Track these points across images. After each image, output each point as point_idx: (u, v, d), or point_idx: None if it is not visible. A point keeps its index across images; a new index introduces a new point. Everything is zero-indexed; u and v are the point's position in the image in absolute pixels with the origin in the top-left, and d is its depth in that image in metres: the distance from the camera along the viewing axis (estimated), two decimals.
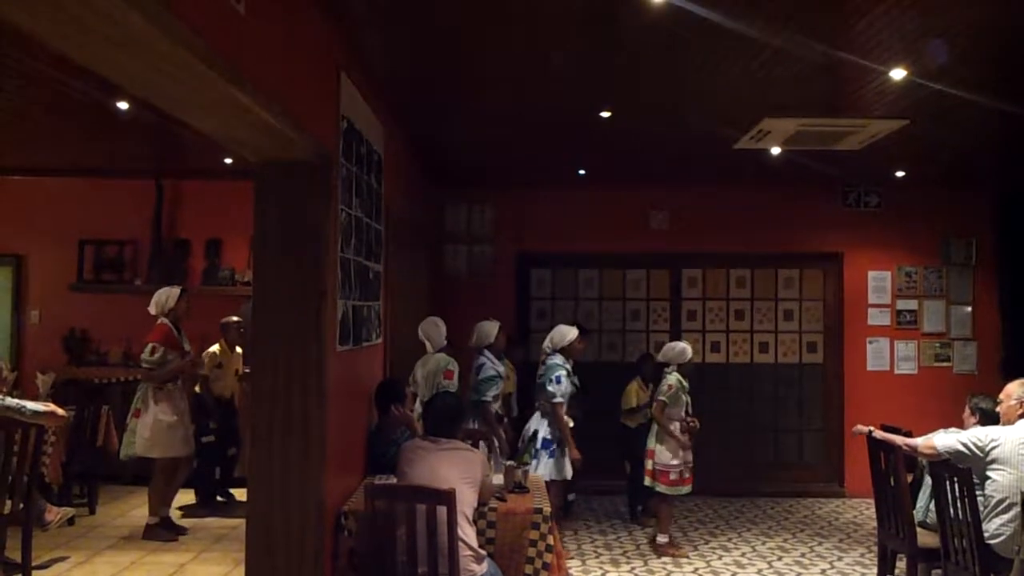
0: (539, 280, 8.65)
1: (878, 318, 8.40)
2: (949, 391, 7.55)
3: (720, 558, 6.08)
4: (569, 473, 5.75)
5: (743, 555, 6.17)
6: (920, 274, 8.43)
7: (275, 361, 3.57)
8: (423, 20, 4.07)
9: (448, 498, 3.43)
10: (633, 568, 5.82)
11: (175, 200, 8.37)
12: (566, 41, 4.35)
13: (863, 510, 7.57)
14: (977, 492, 4.11)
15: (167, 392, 6.15)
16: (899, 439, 4.70)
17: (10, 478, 4.69)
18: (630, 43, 4.33)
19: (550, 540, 3.95)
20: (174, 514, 6.49)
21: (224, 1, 2.47)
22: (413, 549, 3.48)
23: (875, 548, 5.61)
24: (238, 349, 7.12)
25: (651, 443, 6.06)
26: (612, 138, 6.40)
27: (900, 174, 7.74)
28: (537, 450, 5.59)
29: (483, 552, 3.68)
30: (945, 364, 8.36)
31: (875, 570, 5.37)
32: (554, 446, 5.68)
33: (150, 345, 6.10)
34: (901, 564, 5.00)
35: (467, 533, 3.58)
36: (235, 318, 7.14)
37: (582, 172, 7.76)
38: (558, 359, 5.83)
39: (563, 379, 5.71)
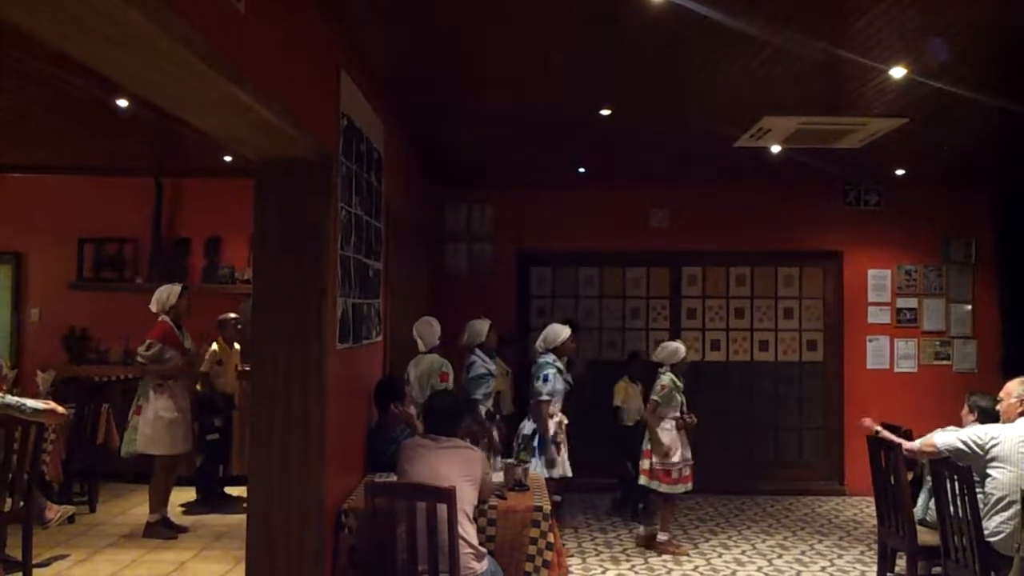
0: (539, 278, 8.65)
1: (878, 316, 8.40)
2: (949, 389, 7.55)
3: (720, 556, 6.09)
4: (558, 472, 5.72)
5: (743, 553, 6.18)
6: (920, 272, 8.43)
7: (275, 359, 3.57)
8: (423, 20, 4.07)
9: (448, 496, 3.43)
10: (633, 566, 5.82)
11: (175, 198, 8.37)
12: (566, 40, 4.35)
13: (863, 508, 7.58)
14: (977, 490, 4.11)
15: (167, 389, 6.15)
16: (902, 443, 4.71)
17: (10, 476, 4.69)
18: (630, 42, 4.33)
19: (550, 538, 3.95)
20: (175, 511, 6.50)
21: None
22: (413, 547, 3.48)
23: (875, 546, 5.63)
24: (236, 346, 7.13)
25: (646, 443, 6.07)
26: (612, 137, 6.40)
27: (900, 172, 7.74)
28: (535, 448, 5.59)
29: (483, 550, 3.69)
30: (945, 362, 8.37)
31: (875, 568, 5.37)
32: (544, 445, 5.68)
33: (147, 341, 6.12)
34: (901, 562, 5.01)
35: (467, 531, 3.59)
36: (232, 315, 7.15)
37: (582, 170, 7.76)
38: (549, 358, 5.86)
39: (551, 377, 5.72)
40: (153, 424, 6.08)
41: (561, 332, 5.96)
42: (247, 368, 6.28)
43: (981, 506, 4.12)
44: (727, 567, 5.81)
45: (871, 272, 8.42)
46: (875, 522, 5.19)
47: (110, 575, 5.24)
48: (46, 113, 5.90)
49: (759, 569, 5.78)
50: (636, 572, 5.70)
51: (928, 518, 4.75)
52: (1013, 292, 8.24)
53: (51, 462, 5.90)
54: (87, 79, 4.67)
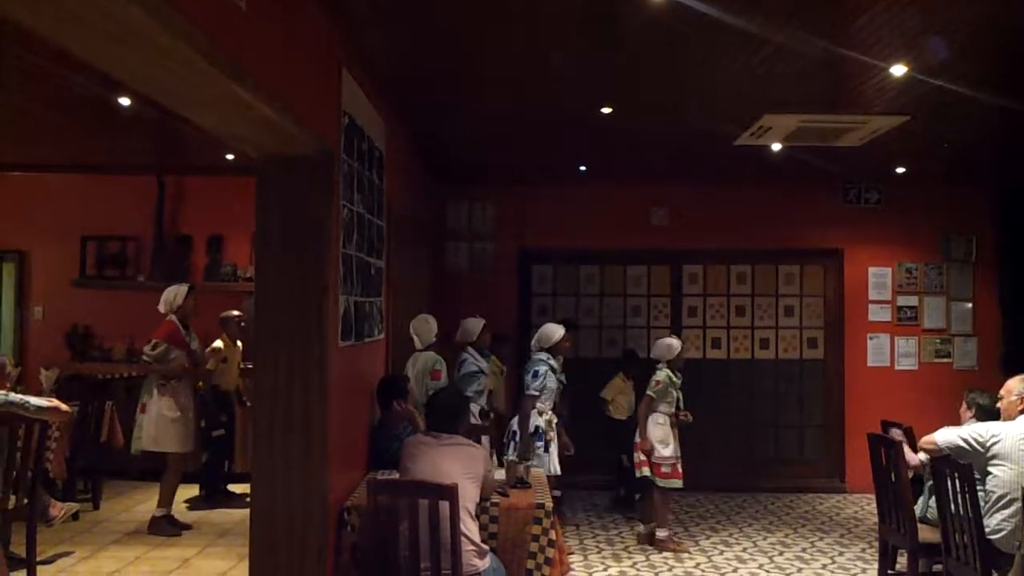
0: (540, 276, 8.66)
1: (879, 314, 8.41)
2: (949, 387, 7.53)
3: (721, 553, 6.09)
4: (546, 470, 5.70)
5: (744, 550, 6.18)
6: (920, 270, 8.43)
7: (277, 357, 3.58)
8: (424, 18, 4.07)
9: (450, 493, 3.44)
10: (635, 563, 5.83)
11: (177, 196, 8.39)
12: (566, 39, 4.35)
13: (864, 505, 7.58)
14: (978, 488, 4.12)
15: (171, 388, 6.18)
16: (912, 458, 4.75)
17: (14, 473, 4.71)
18: (630, 40, 4.33)
19: (552, 535, 3.96)
20: (179, 507, 6.51)
21: None
22: (416, 544, 3.49)
23: (876, 544, 5.63)
24: (238, 343, 7.15)
25: (637, 436, 6.12)
26: (613, 135, 6.41)
27: (901, 170, 7.74)
28: (538, 447, 5.60)
29: (485, 547, 3.70)
30: (945, 360, 8.37)
31: (876, 565, 5.37)
32: (539, 441, 5.69)
33: (153, 340, 6.15)
34: (902, 559, 5.01)
35: (469, 528, 3.60)
36: (235, 312, 7.17)
37: (583, 169, 7.76)
38: (542, 356, 5.89)
39: (540, 374, 5.75)
40: (157, 422, 6.11)
41: (555, 332, 5.99)
42: (250, 366, 6.30)
43: (982, 504, 4.12)
44: (728, 564, 5.82)
45: (872, 270, 8.43)
46: (876, 519, 5.20)
47: (114, 572, 5.25)
48: (48, 111, 5.91)
49: (760, 566, 5.79)
50: (638, 569, 5.71)
51: (929, 516, 4.75)
52: (1013, 289, 8.24)
53: (55, 459, 5.92)
54: (88, 76, 4.67)
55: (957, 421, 4.86)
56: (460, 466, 3.68)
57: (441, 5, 3.90)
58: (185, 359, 6.25)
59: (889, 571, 5.10)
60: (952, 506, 4.22)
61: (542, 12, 3.94)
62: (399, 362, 5.72)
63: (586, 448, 6.63)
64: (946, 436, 4.34)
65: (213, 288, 7.97)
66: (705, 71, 4.76)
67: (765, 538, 6.53)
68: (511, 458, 4.55)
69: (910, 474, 4.83)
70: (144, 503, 6.82)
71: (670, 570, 5.69)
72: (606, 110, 5.59)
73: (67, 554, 5.57)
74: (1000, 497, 4.10)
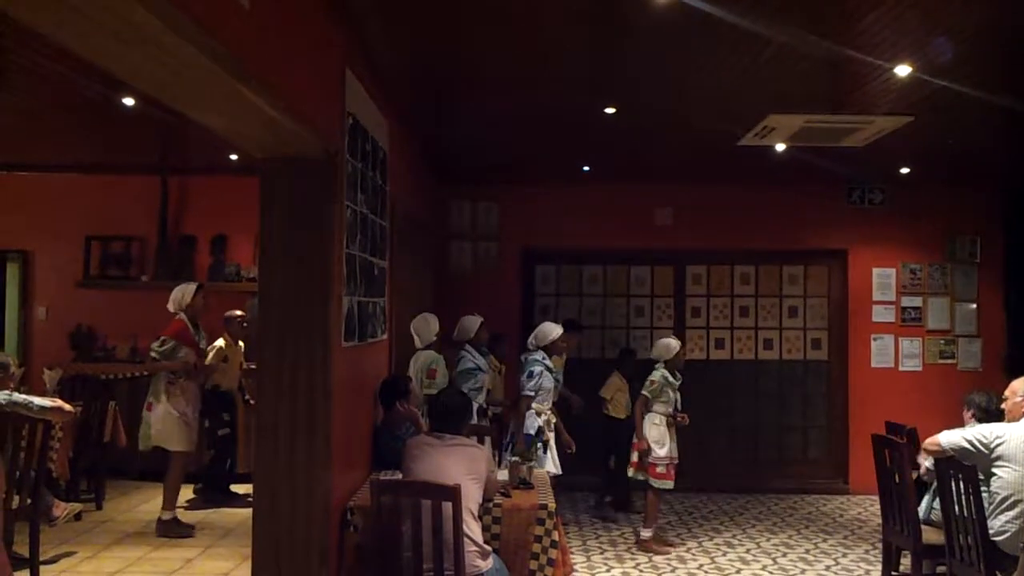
0: (544, 276, 8.65)
1: (883, 315, 8.39)
2: (954, 388, 7.52)
3: (724, 554, 6.08)
4: (548, 471, 5.70)
5: (747, 551, 6.17)
6: (925, 271, 8.41)
7: (281, 357, 3.58)
8: (427, 19, 4.07)
9: (453, 494, 3.43)
10: (638, 564, 5.83)
11: (181, 196, 8.40)
12: (570, 39, 4.35)
13: (867, 507, 7.57)
14: (982, 489, 4.10)
15: (179, 387, 6.18)
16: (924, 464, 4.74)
17: (18, 473, 4.72)
18: (634, 40, 4.32)
19: (555, 536, 3.96)
20: (178, 509, 6.51)
21: None
22: (419, 545, 3.49)
23: (879, 545, 5.62)
24: (240, 343, 7.15)
25: (636, 436, 6.11)
26: (616, 135, 6.40)
27: (905, 171, 7.72)
28: (539, 447, 5.60)
29: (488, 548, 3.70)
30: (950, 361, 8.35)
31: (879, 567, 5.37)
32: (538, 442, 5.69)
33: (161, 337, 6.17)
34: (905, 561, 5.00)
35: (472, 529, 3.60)
36: (238, 312, 7.17)
37: (586, 169, 7.76)
38: (539, 355, 5.90)
39: (536, 375, 5.75)
40: (164, 420, 6.11)
41: (552, 331, 5.99)
42: (252, 366, 6.31)
43: (986, 505, 4.11)
44: (731, 565, 5.81)
45: (876, 271, 8.41)
46: (880, 521, 5.19)
47: (117, 572, 5.25)
48: (53, 112, 5.92)
49: (763, 567, 5.78)
50: (641, 570, 5.70)
51: (932, 518, 4.74)
52: (1018, 290, 8.22)
53: (58, 459, 5.92)
54: (92, 77, 4.69)
55: (961, 423, 4.85)
56: (463, 467, 3.68)
57: (445, 5, 3.90)
58: (193, 357, 6.26)
59: (893, 573, 5.09)
60: (956, 508, 4.21)
61: (546, 12, 3.93)
62: (402, 362, 5.72)
63: (586, 449, 6.61)
64: (950, 438, 4.33)
65: (217, 288, 7.96)
66: (709, 71, 4.75)
67: (768, 539, 6.52)
68: (512, 459, 4.55)
69: (914, 475, 4.82)
70: (147, 503, 6.83)
71: (673, 571, 5.68)
72: (610, 110, 5.59)
73: (70, 554, 5.57)
74: (1004, 499, 4.08)
